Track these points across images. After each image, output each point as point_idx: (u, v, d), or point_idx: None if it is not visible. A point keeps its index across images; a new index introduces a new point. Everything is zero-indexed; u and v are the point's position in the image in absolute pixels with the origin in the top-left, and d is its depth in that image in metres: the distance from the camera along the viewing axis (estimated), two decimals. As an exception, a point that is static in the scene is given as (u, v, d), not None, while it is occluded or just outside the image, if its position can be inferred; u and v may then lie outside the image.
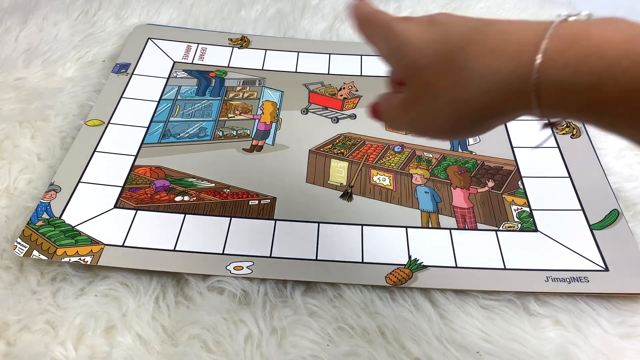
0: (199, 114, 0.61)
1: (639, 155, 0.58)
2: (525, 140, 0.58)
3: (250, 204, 0.51)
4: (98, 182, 0.53)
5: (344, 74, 0.67)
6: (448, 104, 0.28)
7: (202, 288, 0.45)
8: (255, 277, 0.46)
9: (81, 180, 0.52)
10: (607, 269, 0.46)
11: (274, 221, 0.50)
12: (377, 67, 0.68)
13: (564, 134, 0.58)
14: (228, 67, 0.68)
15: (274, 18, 0.77)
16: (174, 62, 0.68)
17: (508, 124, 0.60)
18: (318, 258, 0.47)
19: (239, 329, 0.43)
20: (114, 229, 0.48)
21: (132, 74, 0.65)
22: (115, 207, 0.51)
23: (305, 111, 0.62)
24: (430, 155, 0.57)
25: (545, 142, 0.56)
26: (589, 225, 0.50)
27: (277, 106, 0.63)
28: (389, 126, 0.35)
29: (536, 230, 0.50)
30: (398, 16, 0.32)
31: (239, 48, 0.70)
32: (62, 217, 0.49)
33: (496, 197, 0.53)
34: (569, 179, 0.54)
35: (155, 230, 0.49)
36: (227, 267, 0.46)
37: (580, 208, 0.51)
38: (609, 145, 0.58)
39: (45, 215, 0.49)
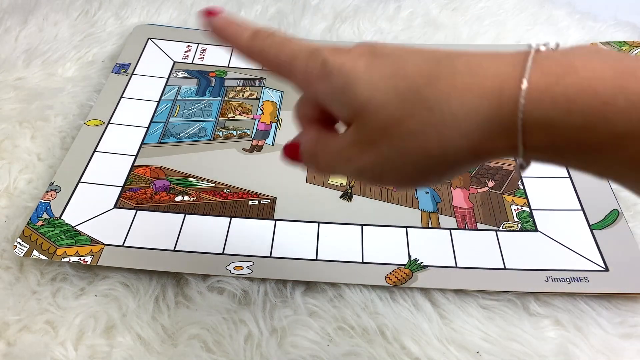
0: (199, 114, 0.61)
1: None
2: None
3: (250, 204, 0.51)
4: (98, 182, 0.53)
5: (344, 74, 0.67)
6: (416, 149, 0.24)
7: (202, 288, 0.45)
8: (255, 277, 0.46)
9: (81, 180, 0.52)
10: (607, 269, 0.46)
11: (274, 221, 0.50)
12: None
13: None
14: (228, 67, 0.68)
15: (274, 18, 0.77)
16: (174, 62, 0.68)
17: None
18: (318, 258, 0.47)
19: (239, 329, 0.43)
20: (114, 229, 0.48)
21: (132, 74, 0.65)
22: (115, 207, 0.51)
23: (305, 111, 0.62)
24: (430, 155, 0.57)
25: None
26: (589, 225, 0.50)
27: (277, 106, 0.63)
28: (319, 171, 0.30)
29: (536, 230, 0.50)
30: (315, 44, 0.27)
31: (239, 48, 0.70)
32: (62, 217, 0.49)
33: (496, 197, 0.53)
34: (569, 179, 0.54)
35: (155, 230, 0.49)
36: (227, 267, 0.46)
37: (580, 208, 0.51)
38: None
39: (45, 215, 0.49)
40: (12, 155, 0.56)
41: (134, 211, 0.50)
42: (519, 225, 0.50)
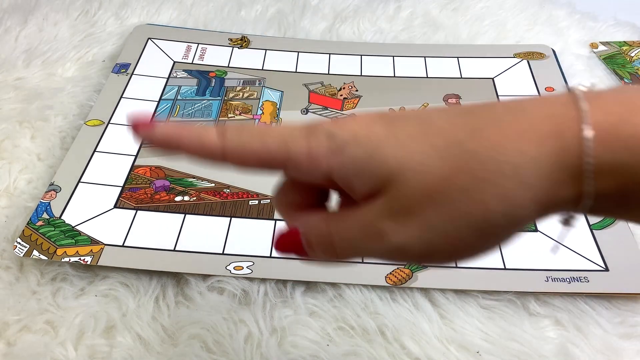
0: (199, 114, 0.61)
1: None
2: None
3: (250, 204, 0.51)
4: (98, 182, 0.53)
5: (344, 74, 0.67)
6: (472, 210, 0.21)
7: (202, 288, 0.45)
8: (255, 277, 0.46)
9: (81, 180, 0.52)
10: (607, 269, 0.46)
11: (274, 221, 0.50)
12: (377, 67, 0.68)
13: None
14: (228, 67, 0.68)
15: (274, 18, 0.77)
16: (174, 62, 0.68)
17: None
18: (318, 258, 0.47)
19: (239, 329, 0.43)
20: (114, 229, 0.48)
21: (132, 74, 0.65)
22: (115, 207, 0.51)
23: (305, 111, 0.62)
24: (430, 155, 0.57)
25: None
26: (589, 225, 0.50)
27: (277, 106, 0.63)
28: (336, 257, 0.24)
29: (536, 230, 0.50)
30: (300, 124, 0.23)
31: (239, 48, 0.70)
32: (62, 217, 0.49)
33: (496, 197, 0.53)
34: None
35: (155, 230, 0.49)
36: (227, 267, 0.46)
37: (580, 208, 0.51)
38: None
39: (45, 215, 0.49)
40: (12, 155, 0.56)
41: (134, 211, 0.50)
42: (519, 225, 0.50)
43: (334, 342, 0.42)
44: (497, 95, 0.63)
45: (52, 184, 0.52)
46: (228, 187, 0.53)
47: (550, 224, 0.50)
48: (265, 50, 0.70)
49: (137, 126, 0.24)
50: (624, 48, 0.71)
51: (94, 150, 0.55)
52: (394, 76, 0.67)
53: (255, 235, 0.49)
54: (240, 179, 0.54)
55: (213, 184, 0.53)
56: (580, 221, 0.50)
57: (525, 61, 0.68)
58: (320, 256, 0.25)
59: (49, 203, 0.50)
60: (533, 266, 0.46)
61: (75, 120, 0.60)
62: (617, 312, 0.45)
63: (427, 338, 0.42)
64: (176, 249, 0.47)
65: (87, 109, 0.61)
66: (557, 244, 0.48)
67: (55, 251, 0.46)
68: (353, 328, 0.43)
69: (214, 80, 0.66)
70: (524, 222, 0.21)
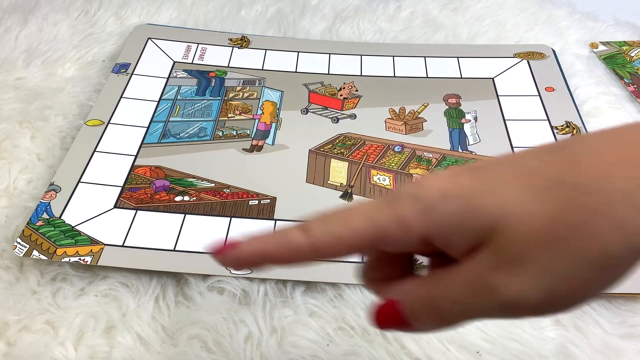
0: (199, 114, 0.61)
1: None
2: (525, 140, 0.58)
3: (250, 204, 0.51)
4: (98, 182, 0.53)
5: (344, 73, 0.67)
6: (588, 246, 0.19)
7: (202, 288, 0.45)
8: (255, 277, 0.46)
9: (81, 180, 0.52)
10: (607, 269, 0.46)
11: (274, 221, 0.50)
12: (377, 67, 0.68)
13: (564, 134, 0.58)
14: (228, 67, 0.68)
15: (274, 18, 0.77)
16: (174, 62, 0.68)
17: (508, 124, 0.60)
18: (318, 258, 0.47)
19: (239, 329, 0.43)
20: (114, 229, 0.48)
21: (132, 74, 0.65)
22: (115, 207, 0.51)
23: (305, 111, 0.62)
24: (430, 155, 0.57)
25: None
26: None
27: (277, 106, 0.63)
28: (444, 324, 0.22)
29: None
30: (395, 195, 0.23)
31: (239, 48, 0.70)
32: (62, 217, 0.49)
33: (496, 197, 0.53)
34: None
35: (155, 230, 0.49)
36: (227, 267, 0.46)
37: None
38: (609, 145, 0.58)
39: (45, 215, 0.49)
40: (12, 155, 0.56)
41: (134, 211, 0.50)
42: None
43: (334, 342, 0.42)
44: (497, 95, 0.63)
45: (52, 184, 0.52)
46: (228, 187, 0.53)
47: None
48: (265, 50, 0.70)
49: (219, 253, 0.24)
50: (624, 48, 0.71)
51: (94, 150, 0.55)
52: (394, 76, 0.67)
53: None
54: (240, 179, 0.54)
55: (213, 184, 0.53)
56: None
57: (525, 61, 0.68)
58: (426, 325, 0.23)
59: (49, 203, 0.50)
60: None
61: (75, 120, 0.60)
62: (617, 312, 0.45)
63: (427, 338, 0.42)
64: (176, 249, 0.47)
65: (87, 109, 0.61)
66: None
67: (55, 251, 0.46)
68: (353, 328, 0.43)
69: (214, 80, 0.66)
70: None
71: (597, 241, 0.19)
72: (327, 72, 0.67)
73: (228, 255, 0.24)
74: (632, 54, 0.70)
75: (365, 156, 0.57)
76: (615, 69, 0.68)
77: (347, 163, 0.56)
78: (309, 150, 0.57)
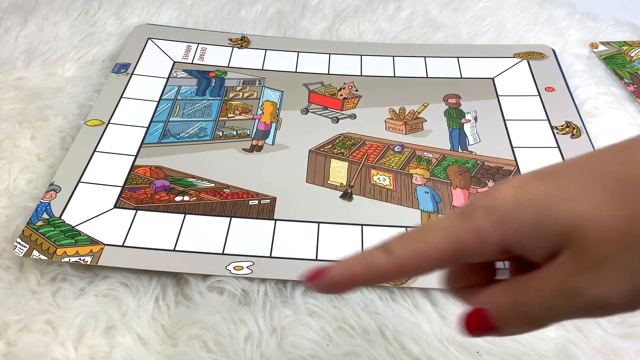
0: (199, 114, 0.61)
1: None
2: (525, 140, 0.58)
3: (250, 204, 0.51)
4: (98, 182, 0.53)
5: (344, 74, 0.67)
6: None
7: (202, 288, 0.45)
8: (255, 277, 0.46)
9: (81, 180, 0.52)
10: (607, 269, 0.46)
11: (274, 221, 0.50)
12: (377, 67, 0.68)
13: (564, 134, 0.58)
14: (228, 67, 0.68)
15: (274, 18, 0.77)
16: (174, 62, 0.68)
17: (508, 124, 0.60)
18: (318, 258, 0.47)
19: (239, 329, 0.43)
20: (114, 229, 0.48)
21: (132, 74, 0.65)
22: (115, 207, 0.51)
23: (305, 111, 0.62)
24: (430, 155, 0.57)
25: None
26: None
27: (277, 106, 0.63)
28: (531, 326, 0.23)
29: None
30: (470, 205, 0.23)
31: (239, 48, 0.70)
32: (62, 217, 0.49)
33: (496, 197, 0.53)
34: (569, 179, 0.54)
35: (155, 230, 0.49)
36: (227, 267, 0.46)
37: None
38: (609, 145, 0.58)
39: (45, 215, 0.49)
40: (12, 155, 0.56)
41: (134, 211, 0.50)
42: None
43: (334, 342, 0.42)
44: (497, 95, 0.63)
45: (52, 184, 0.52)
46: (228, 187, 0.53)
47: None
48: (265, 50, 0.70)
49: (312, 280, 0.25)
50: (624, 48, 0.71)
51: (94, 150, 0.55)
52: (394, 76, 0.67)
53: (255, 235, 0.49)
54: (240, 179, 0.54)
55: (213, 184, 0.53)
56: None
57: (525, 61, 0.68)
58: (515, 328, 0.23)
59: (49, 203, 0.50)
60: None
61: (75, 120, 0.60)
62: (617, 312, 0.45)
63: (427, 338, 0.42)
64: (176, 249, 0.47)
65: (87, 109, 0.61)
66: None
67: (55, 251, 0.46)
68: (353, 328, 0.43)
69: (214, 80, 0.66)
70: None
71: None
72: (327, 72, 0.67)
73: (321, 281, 0.25)
74: (632, 54, 0.70)
75: (365, 156, 0.57)
76: (615, 69, 0.68)
77: (347, 163, 0.56)
78: (309, 150, 0.57)
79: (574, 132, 0.59)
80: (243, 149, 0.57)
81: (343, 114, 0.62)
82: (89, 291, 0.45)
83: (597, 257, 0.20)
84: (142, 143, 0.57)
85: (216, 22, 0.76)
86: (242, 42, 0.71)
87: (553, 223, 0.21)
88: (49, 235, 0.47)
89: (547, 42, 0.72)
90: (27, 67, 0.66)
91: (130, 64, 0.66)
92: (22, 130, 0.58)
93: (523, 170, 0.54)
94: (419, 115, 0.62)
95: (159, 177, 0.54)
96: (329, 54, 0.70)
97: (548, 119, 0.60)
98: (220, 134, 0.59)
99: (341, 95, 0.64)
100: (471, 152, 0.57)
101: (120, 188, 0.52)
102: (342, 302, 0.45)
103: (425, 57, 0.69)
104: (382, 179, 0.54)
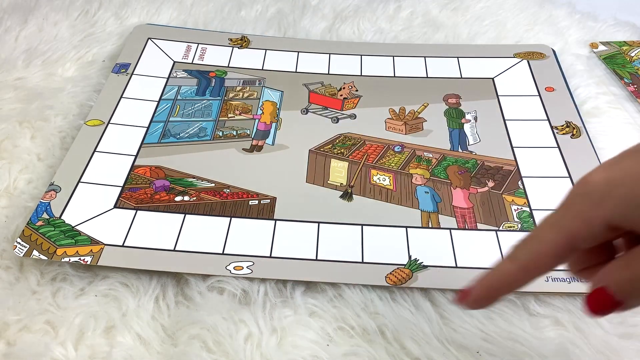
0: (199, 114, 0.61)
1: (639, 155, 0.58)
2: (525, 140, 0.58)
3: (250, 204, 0.51)
4: (98, 182, 0.53)
5: (344, 73, 0.67)
6: None
7: (202, 288, 0.45)
8: (255, 277, 0.46)
9: (81, 180, 0.52)
10: (607, 269, 0.46)
11: (274, 221, 0.50)
12: (377, 67, 0.68)
13: (564, 134, 0.58)
14: (228, 67, 0.68)
15: (274, 18, 0.77)
16: (174, 62, 0.68)
17: (508, 124, 0.60)
18: (318, 258, 0.47)
19: (239, 329, 0.43)
20: (114, 229, 0.48)
21: (132, 74, 0.65)
22: (115, 207, 0.51)
23: (305, 111, 0.62)
24: (430, 155, 0.57)
25: None
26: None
27: (277, 106, 0.63)
28: None
29: (536, 230, 0.50)
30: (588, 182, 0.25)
31: (239, 48, 0.70)
32: (62, 217, 0.49)
33: (496, 197, 0.53)
34: (569, 178, 0.54)
35: (155, 230, 0.49)
36: (227, 267, 0.46)
37: (580, 208, 0.51)
38: (608, 145, 0.58)
39: (45, 215, 0.49)
40: (12, 155, 0.56)
41: (134, 211, 0.50)
42: (519, 226, 0.50)
43: (334, 342, 0.42)
44: (497, 95, 0.63)
45: (52, 184, 0.52)
46: (228, 187, 0.53)
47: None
48: (265, 50, 0.70)
49: (462, 300, 0.29)
50: (624, 48, 0.71)
51: (94, 150, 0.55)
52: (394, 76, 0.67)
53: (255, 235, 0.49)
54: (240, 179, 0.54)
55: (213, 184, 0.53)
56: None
57: (525, 61, 0.68)
58: (637, 301, 0.25)
59: (49, 203, 0.50)
60: (533, 266, 0.46)
61: (75, 120, 0.60)
62: (617, 312, 0.45)
63: (427, 338, 0.42)
64: (176, 249, 0.47)
65: (87, 109, 0.61)
66: None
67: (55, 251, 0.46)
68: (353, 328, 0.43)
69: (214, 80, 0.66)
70: None
71: None
72: (327, 72, 0.67)
73: (468, 299, 0.28)
74: (632, 54, 0.70)
75: (365, 156, 0.57)
76: (615, 69, 0.68)
77: (347, 163, 0.56)
78: (309, 150, 0.57)
79: (574, 132, 0.59)
80: (243, 149, 0.57)
81: (343, 114, 0.62)
82: (89, 291, 0.45)
83: None
84: (142, 143, 0.57)
85: (216, 22, 0.76)
86: (242, 42, 0.71)
87: None
88: (49, 235, 0.47)
89: (547, 42, 0.72)
90: (27, 67, 0.66)
91: (130, 64, 0.66)
92: (22, 130, 0.58)
93: (523, 171, 0.54)
94: (419, 115, 0.62)
95: (159, 177, 0.54)
96: (329, 54, 0.70)
97: (548, 119, 0.60)
98: (220, 134, 0.59)
99: (341, 95, 0.64)
100: (471, 152, 0.57)
101: (120, 188, 0.52)
102: (342, 302, 0.45)
103: (425, 57, 0.69)
104: (382, 179, 0.54)
